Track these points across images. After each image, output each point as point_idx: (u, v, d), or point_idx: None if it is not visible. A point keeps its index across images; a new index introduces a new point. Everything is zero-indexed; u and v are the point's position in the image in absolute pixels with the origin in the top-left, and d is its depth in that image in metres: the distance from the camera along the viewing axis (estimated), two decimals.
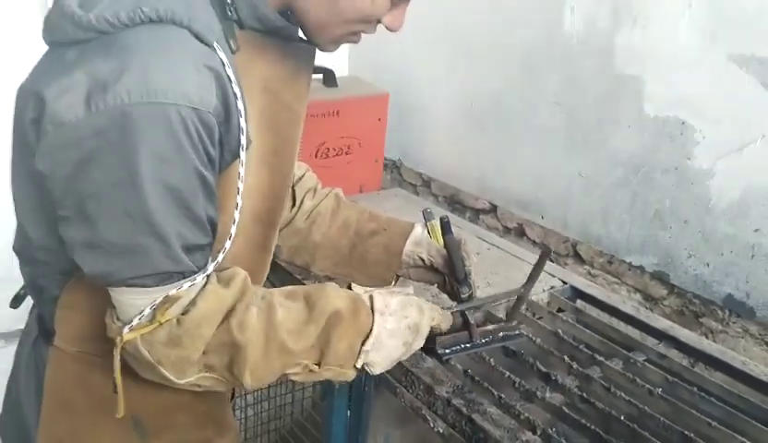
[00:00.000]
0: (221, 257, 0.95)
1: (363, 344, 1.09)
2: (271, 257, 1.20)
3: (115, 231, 0.87)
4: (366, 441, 1.44)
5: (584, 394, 1.26)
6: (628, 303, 1.60)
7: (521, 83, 1.83)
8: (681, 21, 1.45)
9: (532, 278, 1.29)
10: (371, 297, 1.12)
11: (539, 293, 1.62)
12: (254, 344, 0.98)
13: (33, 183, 0.94)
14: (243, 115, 0.93)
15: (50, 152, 0.86)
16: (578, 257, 1.84)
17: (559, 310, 1.60)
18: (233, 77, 0.92)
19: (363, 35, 1.08)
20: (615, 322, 1.57)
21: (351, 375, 1.11)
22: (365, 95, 2.07)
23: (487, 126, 1.96)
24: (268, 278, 1.66)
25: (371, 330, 1.09)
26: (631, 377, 1.31)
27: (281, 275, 1.62)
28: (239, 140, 0.94)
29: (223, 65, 0.91)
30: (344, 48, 2.37)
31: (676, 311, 1.63)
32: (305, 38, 1.08)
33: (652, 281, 1.66)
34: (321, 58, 1.99)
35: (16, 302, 1.14)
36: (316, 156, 1.99)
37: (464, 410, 1.18)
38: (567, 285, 1.66)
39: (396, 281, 1.42)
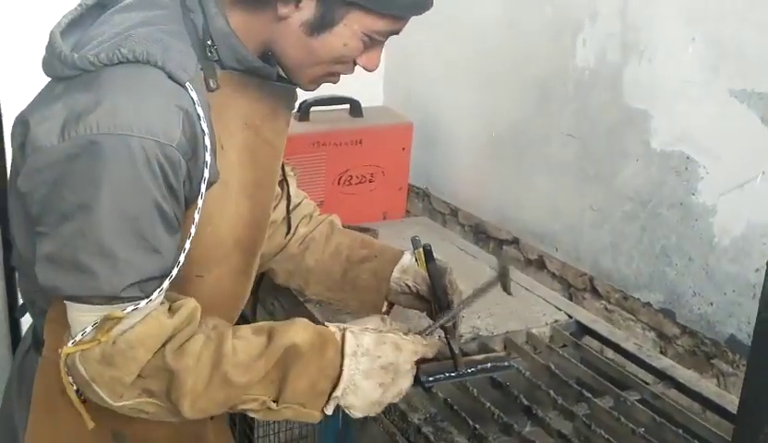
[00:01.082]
0: (166, 283, 0.98)
1: (334, 389, 1.07)
2: (252, 283, 1.25)
3: (71, 248, 0.93)
4: None
5: (562, 430, 1.24)
6: (631, 340, 1.57)
7: (536, 114, 1.83)
8: (685, 55, 1.43)
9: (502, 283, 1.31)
10: (343, 337, 1.09)
11: (542, 326, 1.60)
12: (192, 373, 0.99)
13: (21, 202, 1.02)
14: (209, 151, 0.99)
15: (29, 174, 0.94)
16: (595, 291, 1.81)
17: (564, 345, 1.58)
18: (202, 115, 0.98)
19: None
20: (619, 359, 1.54)
21: (316, 416, 1.09)
22: (388, 125, 2.11)
23: (507, 157, 1.97)
24: (277, 298, 1.73)
25: (342, 373, 1.07)
26: (617, 416, 1.28)
27: (289, 298, 1.66)
28: (203, 174, 1.00)
29: (194, 103, 0.97)
30: (379, 78, 2.44)
31: (688, 351, 1.58)
32: (285, 77, 1.14)
33: (665, 319, 1.62)
34: (351, 88, 2.07)
35: (21, 312, 1.22)
36: (338, 183, 2.04)
37: (432, 438, 1.19)
38: (572, 319, 1.64)
39: (391, 308, 1.44)
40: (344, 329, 1.11)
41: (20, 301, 1.25)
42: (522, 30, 1.85)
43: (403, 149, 2.11)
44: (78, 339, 0.96)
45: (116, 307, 0.95)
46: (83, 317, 0.96)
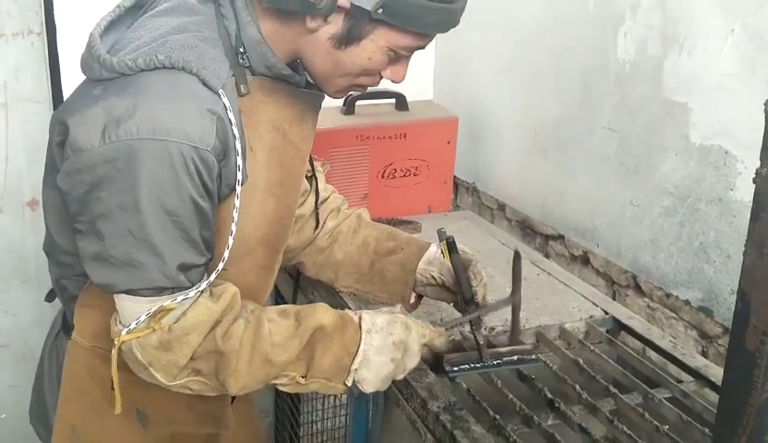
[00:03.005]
0: (213, 276, 1.05)
1: (352, 362, 1.16)
2: (275, 278, 1.30)
3: (119, 247, 0.99)
4: None
5: (583, 424, 1.24)
6: (667, 338, 1.54)
7: (578, 108, 1.81)
8: (724, 48, 1.39)
9: (515, 284, 1.31)
10: (360, 317, 1.19)
11: (575, 322, 1.59)
12: (237, 353, 1.07)
13: (58, 196, 1.08)
14: (240, 154, 1.03)
15: (69, 174, 1.00)
16: (638, 288, 1.78)
17: (599, 342, 1.57)
18: (233, 120, 1.02)
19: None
20: (652, 357, 1.52)
21: (339, 389, 1.18)
22: (433, 119, 2.12)
23: (550, 152, 1.95)
24: (317, 289, 1.77)
25: (359, 348, 1.16)
26: (641, 412, 1.27)
27: (328, 289, 1.69)
28: (236, 176, 1.04)
29: (226, 109, 1.02)
30: (429, 73, 2.45)
31: None
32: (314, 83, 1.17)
33: (706, 318, 1.58)
34: (401, 84, 2.09)
35: (50, 297, 1.30)
36: (383, 176, 2.06)
37: (449, 426, 1.20)
38: (608, 316, 1.62)
39: (419, 301, 1.46)
40: (360, 312, 1.20)
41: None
42: (566, 25, 1.84)
43: (448, 143, 2.11)
44: (132, 327, 1.02)
45: (166, 297, 1.01)
46: (135, 308, 1.02)
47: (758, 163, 1.37)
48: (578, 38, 1.79)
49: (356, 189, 2.03)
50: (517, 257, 1.30)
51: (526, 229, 2.14)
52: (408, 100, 2.15)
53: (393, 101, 2.13)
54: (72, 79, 1.99)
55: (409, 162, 2.08)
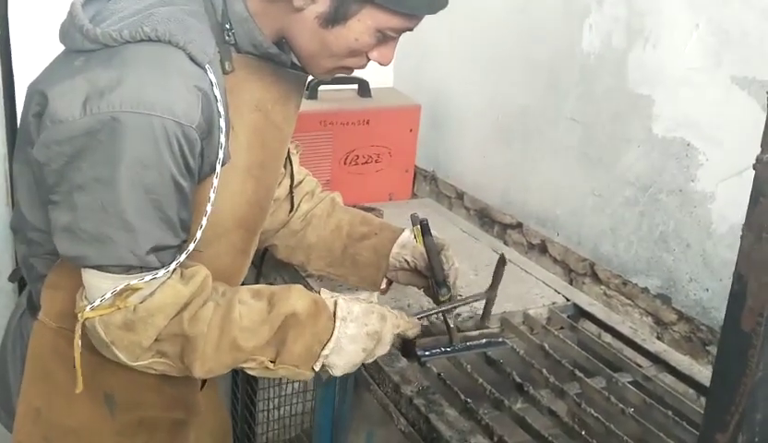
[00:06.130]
0: (183, 256, 1.03)
1: (323, 349, 1.14)
2: (250, 261, 1.28)
3: (91, 220, 0.96)
4: (348, 436, 1.49)
5: (552, 407, 1.27)
6: (627, 323, 1.58)
7: (543, 98, 1.84)
8: (689, 42, 1.43)
9: (495, 281, 1.34)
10: (335, 303, 1.17)
11: (539, 308, 1.62)
12: (205, 337, 1.05)
13: (31, 169, 1.05)
14: (223, 132, 1.01)
15: (47, 145, 0.97)
16: (595, 276, 1.82)
17: (561, 327, 1.60)
18: (219, 98, 1.00)
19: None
20: (615, 343, 1.56)
21: (307, 375, 1.16)
22: (396, 106, 2.13)
23: (512, 141, 1.98)
24: (280, 274, 1.76)
25: (331, 335, 1.14)
26: (607, 396, 1.31)
27: (291, 273, 1.69)
28: (218, 154, 1.02)
29: (212, 85, 1.00)
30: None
31: (684, 337, 1.59)
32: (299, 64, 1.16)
33: (662, 305, 1.64)
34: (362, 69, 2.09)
35: (14, 276, 1.26)
36: (345, 162, 2.06)
37: (423, 409, 1.21)
38: (570, 302, 1.66)
39: (389, 286, 1.47)
40: (337, 297, 1.18)
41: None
42: (532, 15, 1.86)
43: (411, 130, 2.12)
44: (96, 304, 0.99)
45: (134, 276, 0.99)
46: (101, 284, 0.99)
47: (719, 156, 1.44)
48: (544, 28, 1.82)
49: (319, 175, 1.98)
50: (502, 261, 1.32)
51: (484, 218, 2.17)
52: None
53: (356, 86, 2.12)
54: (23, 59, 1.93)
55: (371, 149, 2.08)
